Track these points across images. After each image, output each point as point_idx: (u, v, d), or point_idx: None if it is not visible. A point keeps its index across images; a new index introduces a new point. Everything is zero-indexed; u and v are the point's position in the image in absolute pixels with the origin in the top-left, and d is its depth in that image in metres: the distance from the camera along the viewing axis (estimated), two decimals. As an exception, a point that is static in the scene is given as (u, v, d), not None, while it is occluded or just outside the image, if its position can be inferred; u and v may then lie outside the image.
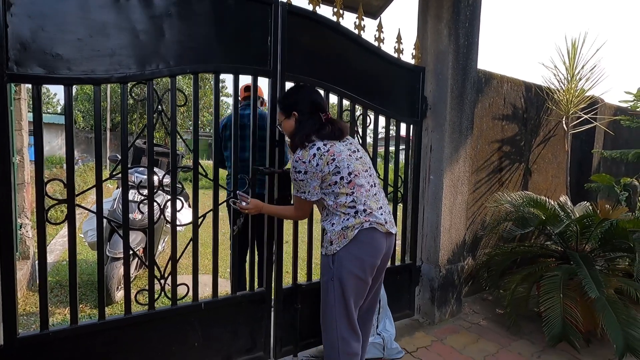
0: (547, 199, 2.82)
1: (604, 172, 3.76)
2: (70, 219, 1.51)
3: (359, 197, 1.57)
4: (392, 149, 2.53)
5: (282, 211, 1.81)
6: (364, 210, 1.56)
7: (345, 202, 1.57)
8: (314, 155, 1.55)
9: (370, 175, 1.67)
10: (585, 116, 3.44)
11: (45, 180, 1.47)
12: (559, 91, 3.37)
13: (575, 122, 3.47)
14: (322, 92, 1.94)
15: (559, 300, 2.23)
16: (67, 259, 1.51)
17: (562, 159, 3.67)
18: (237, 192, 1.80)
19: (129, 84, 1.58)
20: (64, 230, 4.93)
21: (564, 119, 3.41)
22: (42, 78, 1.39)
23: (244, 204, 1.73)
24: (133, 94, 1.65)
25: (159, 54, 1.59)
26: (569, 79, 3.32)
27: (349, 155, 1.61)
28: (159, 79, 1.71)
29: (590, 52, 3.24)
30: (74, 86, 1.48)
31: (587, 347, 2.35)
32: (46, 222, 1.48)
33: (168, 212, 1.80)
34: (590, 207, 2.65)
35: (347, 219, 1.56)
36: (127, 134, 1.62)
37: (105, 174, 1.61)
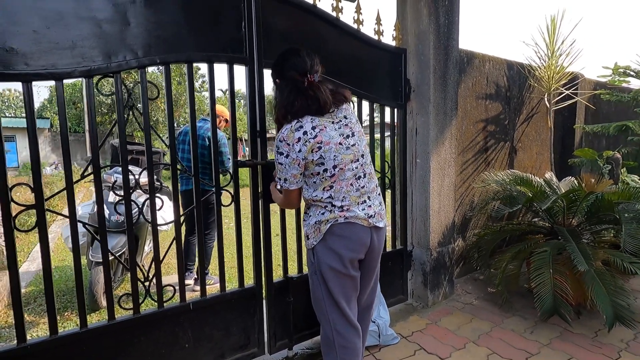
0: (533, 176, 2.83)
1: (587, 147, 3.81)
2: (41, 224, 1.43)
3: (338, 194, 1.45)
4: (377, 136, 2.49)
5: (275, 194, 1.69)
6: (341, 207, 1.46)
7: (322, 197, 1.46)
8: (299, 139, 1.39)
9: (361, 165, 1.51)
10: (567, 92, 3.45)
11: (10, 185, 1.38)
12: (540, 68, 3.36)
13: (557, 99, 3.49)
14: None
15: (549, 275, 2.25)
16: (42, 268, 1.43)
17: (546, 135, 3.69)
18: None
19: (94, 78, 1.49)
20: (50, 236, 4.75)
21: (546, 96, 3.42)
22: (-3, 75, 1.29)
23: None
24: (103, 91, 1.55)
25: (125, 44, 1.50)
26: (550, 55, 3.32)
27: (339, 143, 1.44)
28: (129, 72, 1.62)
29: (569, 28, 3.25)
30: (54, 85, 1.37)
31: (578, 319, 2.39)
32: (14, 229, 1.39)
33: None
34: (576, 182, 2.67)
35: (323, 213, 1.47)
36: (95, 132, 1.53)
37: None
